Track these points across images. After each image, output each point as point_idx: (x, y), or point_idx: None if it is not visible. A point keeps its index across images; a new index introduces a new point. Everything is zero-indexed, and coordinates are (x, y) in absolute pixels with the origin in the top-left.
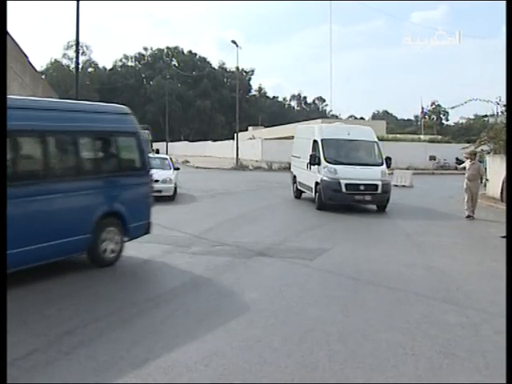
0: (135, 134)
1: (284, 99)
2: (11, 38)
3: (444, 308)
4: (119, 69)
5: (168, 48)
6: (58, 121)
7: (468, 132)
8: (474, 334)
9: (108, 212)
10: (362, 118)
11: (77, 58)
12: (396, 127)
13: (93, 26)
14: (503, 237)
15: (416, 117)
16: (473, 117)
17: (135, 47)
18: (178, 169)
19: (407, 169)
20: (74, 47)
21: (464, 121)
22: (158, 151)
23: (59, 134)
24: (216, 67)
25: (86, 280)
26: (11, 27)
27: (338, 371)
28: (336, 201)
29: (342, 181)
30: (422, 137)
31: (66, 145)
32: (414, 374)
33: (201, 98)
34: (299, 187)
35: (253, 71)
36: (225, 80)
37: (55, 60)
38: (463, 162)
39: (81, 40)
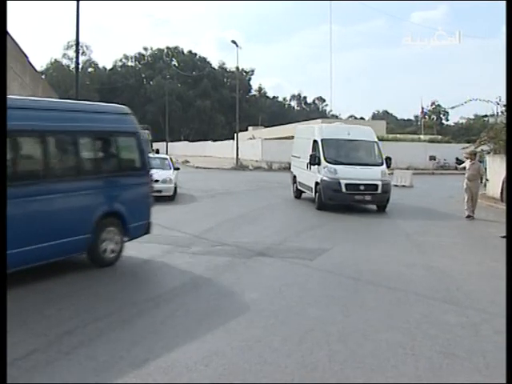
0: (135, 133)
1: (284, 99)
2: (11, 37)
3: (444, 308)
4: (119, 69)
5: (168, 48)
6: (57, 121)
7: (468, 132)
8: (474, 333)
9: (108, 212)
10: (362, 118)
11: (77, 58)
12: (396, 127)
13: (93, 25)
14: (503, 237)
15: (416, 117)
16: (473, 117)
17: (135, 47)
18: (177, 169)
19: (407, 169)
20: (74, 47)
21: (464, 121)
22: (158, 151)
23: (59, 134)
24: (216, 67)
25: (86, 280)
26: (11, 27)
27: (338, 371)
28: (336, 201)
29: (341, 181)
30: (422, 137)
31: (66, 145)
32: (414, 374)
33: (201, 98)
34: (299, 187)
35: (253, 71)
36: (225, 80)
37: (55, 60)
38: (463, 162)
39: (81, 40)
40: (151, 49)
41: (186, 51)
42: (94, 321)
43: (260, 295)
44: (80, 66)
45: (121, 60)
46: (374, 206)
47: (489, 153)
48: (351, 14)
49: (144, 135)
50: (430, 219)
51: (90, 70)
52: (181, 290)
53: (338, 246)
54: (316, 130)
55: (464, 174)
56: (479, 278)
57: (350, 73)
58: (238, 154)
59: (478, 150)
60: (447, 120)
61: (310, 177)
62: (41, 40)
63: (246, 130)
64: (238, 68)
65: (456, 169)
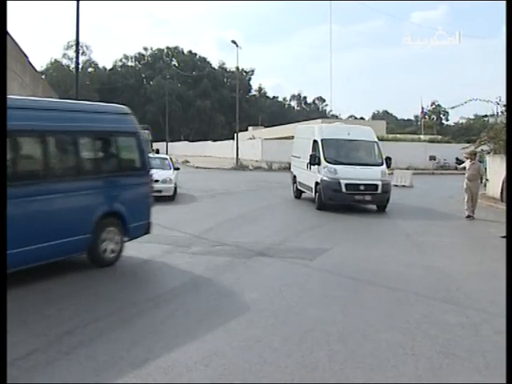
0: (135, 133)
1: (284, 99)
2: (11, 37)
3: (444, 308)
4: (119, 69)
5: (168, 48)
6: (57, 121)
7: (468, 132)
8: (473, 333)
9: (108, 212)
10: (361, 118)
11: (77, 58)
12: (396, 127)
13: (93, 25)
14: (503, 237)
15: (416, 117)
16: (473, 117)
17: (135, 47)
18: (178, 169)
19: (407, 169)
20: (74, 47)
21: (464, 121)
22: (158, 151)
23: (59, 134)
24: (216, 67)
25: (86, 280)
26: (11, 27)
27: (338, 371)
28: (336, 201)
29: (341, 181)
30: (421, 137)
31: (66, 145)
32: (414, 374)
33: (201, 98)
34: (299, 187)
35: (253, 71)
36: (225, 80)
37: (55, 60)
38: (463, 162)
39: (81, 40)
40: (151, 49)
41: (185, 51)
42: (94, 321)
43: (260, 295)
44: (80, 66)
45: (121, 60)
46: (374, 206)
47: (489, 153)
48: (351, 13)
49: (144, 135)
50: (430, 219)
51: (90, 70)
52: (181, 290)
53: (338, 246)
54: (316, 129)
55: (464, 174)
56: (479, 278)
57: (349, 73)
58: (237, 154)
59: (478, 150)
60: (447, 120)
61: (310, 177)
62: (41, 40)
63: (246, 130)
64: (237, 68)
65: (456, 169)
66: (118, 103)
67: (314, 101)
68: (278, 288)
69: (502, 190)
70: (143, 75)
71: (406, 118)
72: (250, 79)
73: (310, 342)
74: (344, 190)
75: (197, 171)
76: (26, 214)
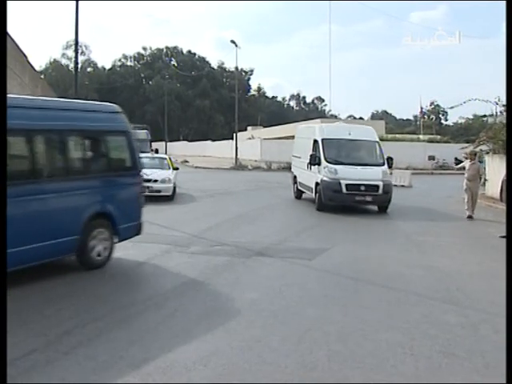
0: (126, 132)
1: (283, 99)
2: (10, 37)
3: (444, 308)
4: (118, 68)
5: (167, 48)
6: (45, 119)
7: (467, 132)
8: (473, 333)
9: (97, 213)
10: (361, 118)
11: (76, 57)
12: (395, 127)
13: (92, 25)
14: (502, 237)
15: (415, 117)
16: (472, 117)
17: (134, 47)
18: (177, 169)
19: (406, 169)
20: (73, 47)
21: (463, 121)
22: (157, 151)
23: (47, 133)
24: (215, 67)
25: (85, 280)
26: (10, 27)
27: (337, 371)
28: (336, 201)
29: (342, 181)
30: (421, 137)
31: (54, 144)
32: (414, 374)
33: (200, 98)
34: (300, 188)
35: (252, 71)
36: (224, 80)
37: (54, 60)
38: (461, 162)
39: (80, 40)
40: (150, 49)
41: (185, 51)
42: (93, 321)
43: (259, 295)
44: (79, 66)
45: (120, 60)
46: (375, 207)
47: (488, 153)
48: (350, 13)
49: (143, 135)
50: (430, 219)
51: (89, 69)
52: (180, 289)
53: (338, 246)
54: (317, 129)
55: (463, 174)
56: (479, 277)
57: (349, 73)
58: (237, 154)
59: (477, 149)
60: (446, 120)
61: (310, 177)
62: (40, 40)
63: (245, 129)
64: (237, 68)
65: (459, 167)
66: (116, 103)
67: (313, 101)
68: (277, 288)
69: (501, 189)
70: (142, 75)
71: (405, 118)
72: (249, 79)
73: (309, 342)
74: (344, 190)
75: (196, 171)
76: (12, 216)
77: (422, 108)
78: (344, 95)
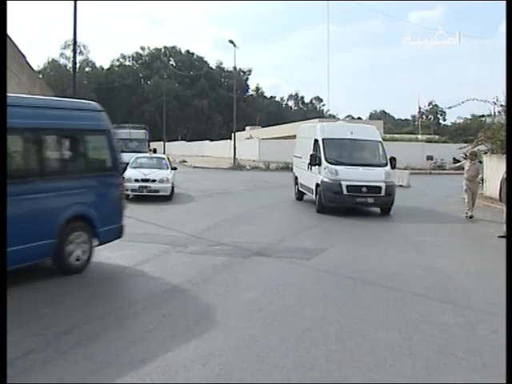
0: (107, 131)
1: (281, 99)
2: (8, 37)
3: (442, 308)
4: (116, 68)
5: (165, 47)
6: (20, 117)
7: (465, 132)
8: (471, 333)
9: (75, 215)
10: (359, 118)
11: (74, 57)
12: (393, 127)
13: (90, 25)
14: (500, 237)
15: (413, 117)
16: (470, 117)
17: (132, 47)
18: (175, 168)
19: (405, 169)
20: (72, 47)
21: (461, 121)
22: (155, 151)
23: (22, 132)
24: (213, 67)
25: (84, 280)
26: (8, 26)
27: (336, 371)
28: (337, 203)
29: (343, 182)
30: (419, 137)
31: (29, 143)
32: (412, 374)
33: (198, 98)
34: (300, 189)
35: (250, 71)
36: (222, 80)
37: (52, 59)
38: (459, 162)
39: (78, 39)
40: (148, 48)
41: (183, 51)
42: (91, 320)
43: (257, 295)
44: (77, 66)
45: (118, 59)
46: (377, 209)
47: (486, 153)
48: (348, 13)
49: (142, 135)
50: (428, 219)
51: (87, 69)
52: (178, 289)
53: (336, 246)
54: (317, 128)
55: (461, 174)
56: (477, 277)
57: (347, 73)
58: (235, 154)
59: (475, 149)
60: (444, 120)
61: (310, 178)
62: (38, 39)
63: (244, 129)
64: (235, 68)
65: (456, 167)
66: (115, 103)
67: (311, 101)
68: (275, 288)
69: (500, 190)
70: (140, 75)
71: (403, 118)
72: (247, 79)
73: (307, 342)
74: (345, 191)
75: (194, 171)
76: None
77: (420, 108)
78: (342, 95)
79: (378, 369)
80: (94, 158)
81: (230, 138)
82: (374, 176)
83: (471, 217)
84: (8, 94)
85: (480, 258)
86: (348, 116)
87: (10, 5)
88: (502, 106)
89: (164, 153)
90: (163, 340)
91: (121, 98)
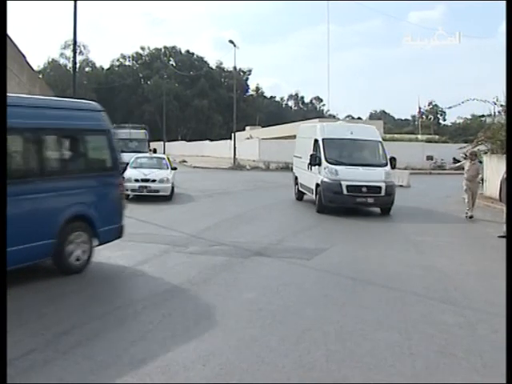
0: (106, 131)
1: (281, 99)
2: (8, 37)
3: (442, 308)
4: (116, 68)
5: (165, 48)
6: (21, 118)
7: (465, 132)
8: (471, 333)
9: (75, 215)
10: (359, 118)
11: (74, 57)
12: (393, 127)
13: (90, 25)
14: (500, 237)
15: (413, 117)
16: (470, 117)
17: (132, 47)
18: (175, 168)
19: (405, 169)
20: (72, 47)
21: (461, 121)
22: (155, 151)
23: (22, 132)
24: (213, 67)
25: (84, 280)
26: (8, 26)
27: (336, 371)
28: (337, 203)
29: (343, 182)
30: (419, 137)
31: (30, 143)
32: (412, 374)
33: (198, 98)
34: (300, 189)
35: (250, 71)
36: (222, 80)
37: (52, 59)
38: (459, 162)
39: (78, 39)
40: (148, 48)
41: (183, 51)
42: (91, 320)
43: (257, 295)
44: (77, 66)
45: (118, 59)
46: (376, 209)
47: (486, 153)
48: (348, 13)
49: (142, 134)
50: (428, 219)
51: (87, 69)
52: (178, 289)
53: (336, 246)
54: (317, 128)
55: (461, 173)
56: (477, 277)
57: (347, 73)
58: (235, 154)
59: (475, 149)
60: (444, 120)
61: (310, 178)
62: (38, 39)
63: (244, 129)
64: (235, 68)
65: (457, 167)
66: (115, 103)
67: (311, 101)
68: (275, 288)
69: (500, 190)
70: (141, 75)
71: (403, 118)
72: (247, 79)
73: (307, 342)
74: (345, 191)
75: (194, 171)
76: None
77: (420, 108)
78: (342, 95)
79: (378, 369)
80: (94, 158)
81: (230, 138)
82: (374, 176)
83: (471, 217)
84: (8, 94)
85: (480, 258)
86: (348, 116)
87: (9, 5)
88: (502, 106)
89: (164, 153)
90: (163, 340)
91: (121, 98)
